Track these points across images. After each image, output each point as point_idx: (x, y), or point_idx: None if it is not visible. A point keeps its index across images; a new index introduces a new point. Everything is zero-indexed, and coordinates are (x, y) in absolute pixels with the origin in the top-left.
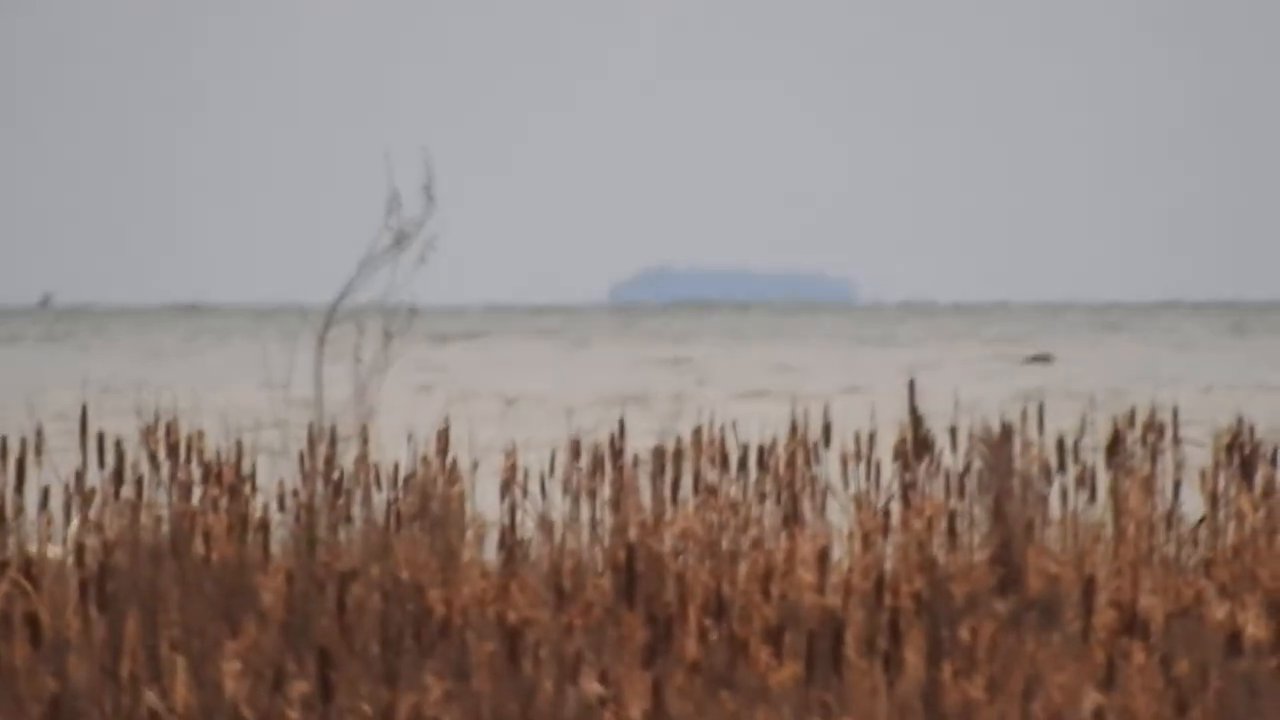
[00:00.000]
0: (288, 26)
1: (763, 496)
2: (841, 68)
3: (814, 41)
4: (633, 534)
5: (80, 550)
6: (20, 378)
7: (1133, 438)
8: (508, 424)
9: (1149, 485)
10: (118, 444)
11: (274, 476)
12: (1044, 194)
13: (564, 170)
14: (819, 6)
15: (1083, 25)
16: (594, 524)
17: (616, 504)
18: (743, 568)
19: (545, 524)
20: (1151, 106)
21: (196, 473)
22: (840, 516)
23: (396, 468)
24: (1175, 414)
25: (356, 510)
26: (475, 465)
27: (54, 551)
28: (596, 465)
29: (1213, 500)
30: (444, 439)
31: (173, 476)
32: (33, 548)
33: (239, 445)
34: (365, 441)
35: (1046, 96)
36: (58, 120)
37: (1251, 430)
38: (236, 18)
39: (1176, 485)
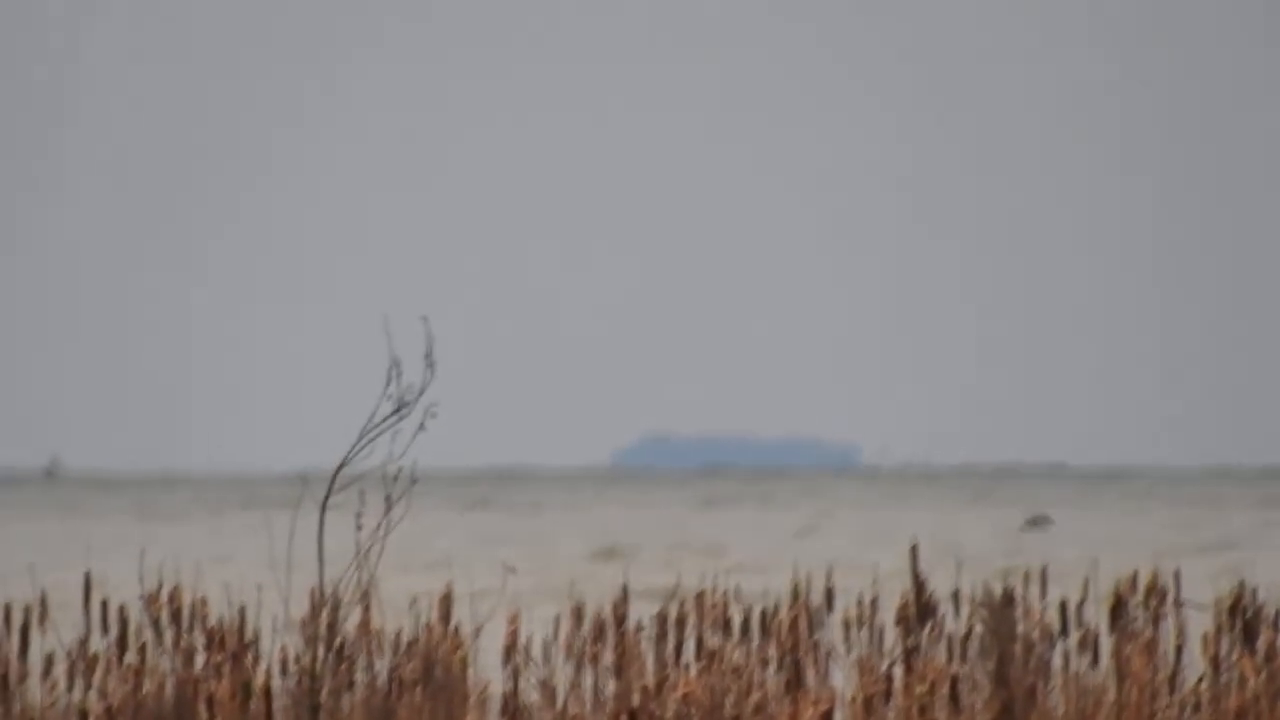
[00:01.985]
0: (285, 191)
1: (765, 661)
2: (838, 232)
3: (812, 205)
4: (635, 700)
5: (83, 717)
6: (25, 546)
7: (1135, 601)
8: (509, 590)
9: (1151, 649)
10: (121, 611)
11: (277, 643)
12: (1049, 357)
13: (567, 334)
14: (810, 170)
15: (1090, 191)
16: (597, 689)
17: (619, 669)
18: None
19: (548, 690)
20: (1164, 262)
21: (200, 639)
22: (843, 681)
23: (399, 634)
24: (1177, 578)
25: (359, 676)
26: (478, 631)
27: None
28: (598, 631)
29: (1215, 664)
30: (446, 605)
31: (176, 643)
32: (36, 715)
33: (242, 612)
34: (367, 607)
35: (1047, 256)
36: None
37: (1254, 593)
38: (233, 183)
39: (1179, 649)
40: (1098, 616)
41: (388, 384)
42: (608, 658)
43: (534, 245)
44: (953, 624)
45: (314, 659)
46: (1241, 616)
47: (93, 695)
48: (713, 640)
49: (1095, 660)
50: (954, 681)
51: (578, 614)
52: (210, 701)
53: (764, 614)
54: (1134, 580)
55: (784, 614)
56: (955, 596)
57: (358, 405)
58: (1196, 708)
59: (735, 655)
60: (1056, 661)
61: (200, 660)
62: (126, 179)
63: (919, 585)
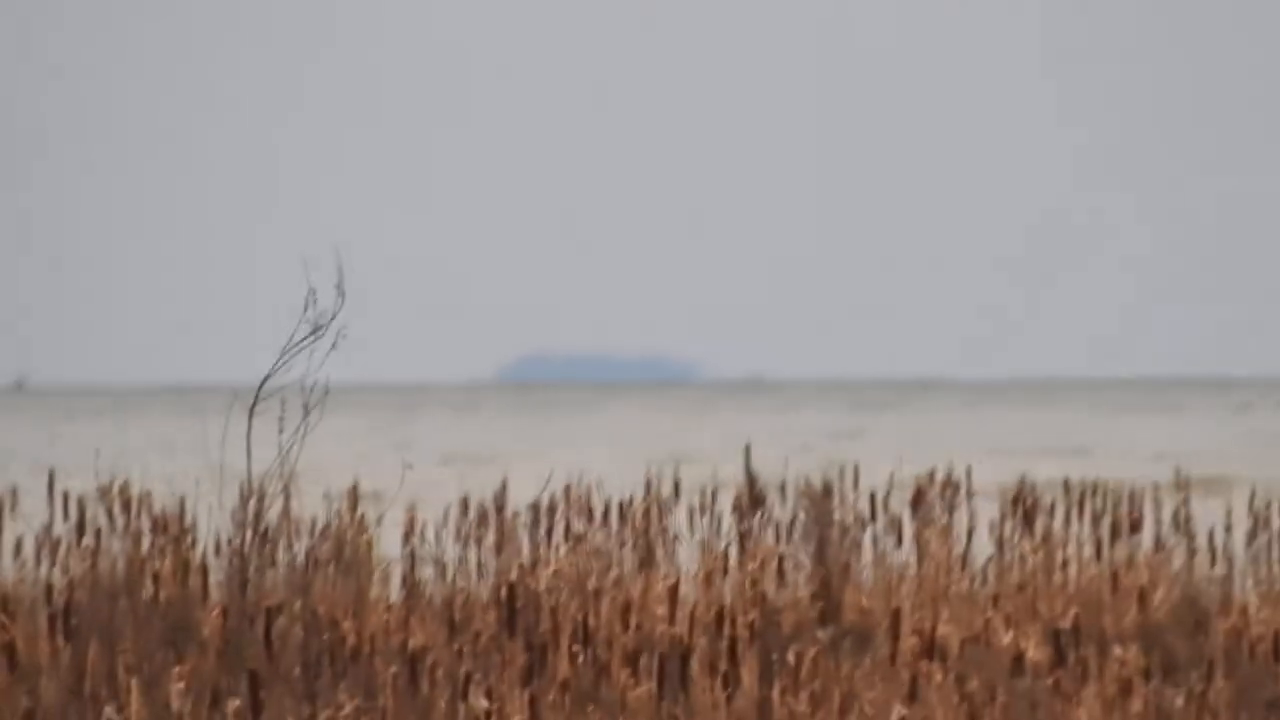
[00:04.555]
0: (217, 133)
1: (623, 543)
2: (689, 158)
3: (660, 134)
4: (513, 575)
5: (49, 590)
6: None
7: (933, 493)
8: (407, 485)
9: (946, 533)
10: (80, 501)
11: (211, 528)
12: (871, 276)
13: (458, 260)
14: (655, 100)
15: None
16: (480, 566)
17: (499, 549)
18: (605, 602)
19: (440, 566)
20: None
21: (146, 525)
22: (687, 559)
23: (314, 520)
24: (969, 473)
25: (281, 556)
26: (380, 518)
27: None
28: (482, 517)
29: (1000, 545)
30: (354, 496)
31: (126, 528)
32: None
33: (181, 502)
34: (288, 498)
35: (889, 179)
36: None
37: (1033, 487)
38: (176, 117)
39: (970, 533)
40: (902, 506)
41: (305, 309)
42: (490, 540)
43: (431, 171)
44: (780, 512)
45: (243, 541)
46: (1022, 505)
47: (56, 572)
48: (578, 526)
49: (900, 542)
50: (780, 560)
51: (464, 503)
52: (155, 577)
53: (621, 504)
54: (932, 475)
55: (638, 504)
56: (782, 488)
57: (278, 327)
58: (984, 581)
59: (597, 538)
60: (867, 543)
61: (146, 543)
62: (75, 107)
63: (751, 479)
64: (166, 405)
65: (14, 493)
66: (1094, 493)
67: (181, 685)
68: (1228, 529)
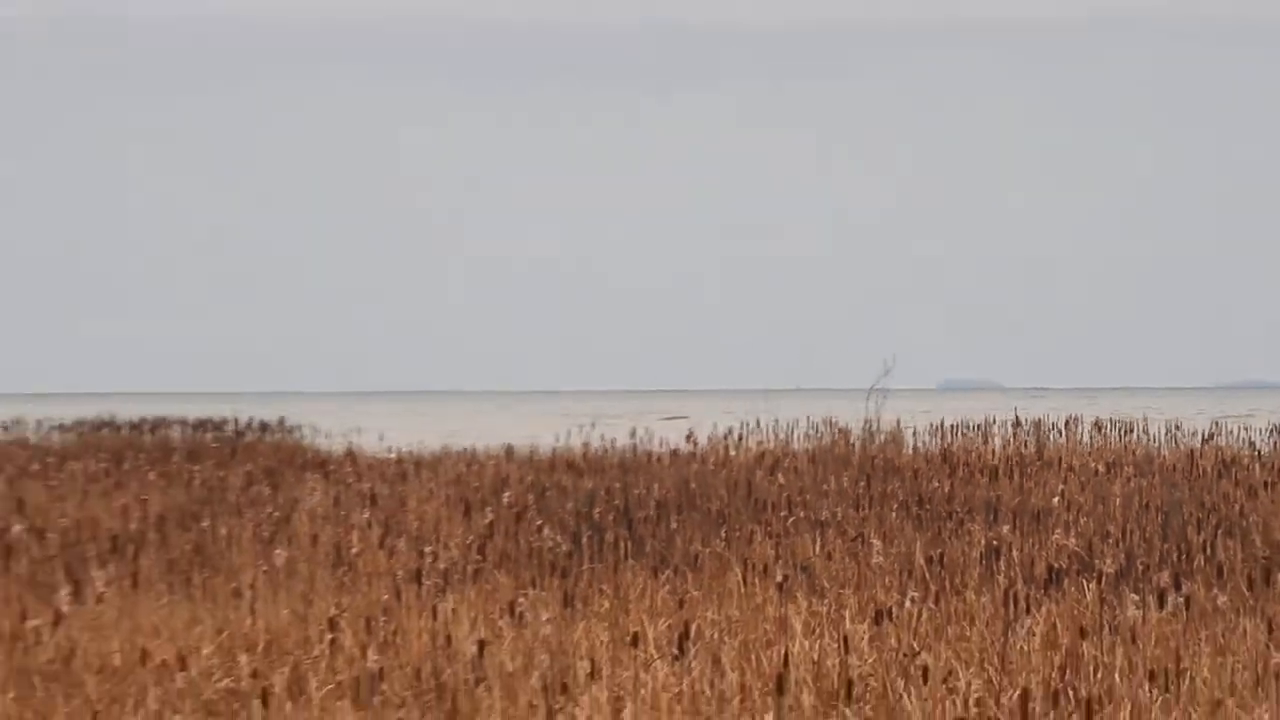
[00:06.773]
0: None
1: (977, 440)
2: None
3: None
4: (942, 446)
5: (761, 456)
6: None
7: (1074, 423)
8: (908, 418)
9: (1075, 435)
10: (816, 425)
11: (856, 429)
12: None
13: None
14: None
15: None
16: (933, 445)
17: (943, 438)
18: (972, 454)
19: (921, 444)
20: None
21: (826, 430)
22: (998, 446)
23: (886, 431)
24: (1082, 415)
25: (874, 440)
26: (905, 428)
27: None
28: (933, 429)
29: (1092, 438)
30: (898, 424)
31: (817, 431)
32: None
33: (846, 426)
34: (879, 421)
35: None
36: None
37: (1112, 419)
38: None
39: (1087, 434)
40: (1059, 425)
41: (884, 364)
42: (936, 436)
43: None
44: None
45: (864, 436)
46: (1102, 427)
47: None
48: (967, 434)
49: (1062, 436)
50: (1005, 444)
51: (931, 425)
52: (834, 448)
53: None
54: (1076, 417)
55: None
56: (1019, 422)
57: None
58: (1090, 448)
59: (971, 438)
60: (1058, 438)
61: (833, 437)
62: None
63: (1017, 416)
64: (838, 395)
65: (764, 423)
66: (1126, 422)
67: (845, 480)
68: (1186, 435)
